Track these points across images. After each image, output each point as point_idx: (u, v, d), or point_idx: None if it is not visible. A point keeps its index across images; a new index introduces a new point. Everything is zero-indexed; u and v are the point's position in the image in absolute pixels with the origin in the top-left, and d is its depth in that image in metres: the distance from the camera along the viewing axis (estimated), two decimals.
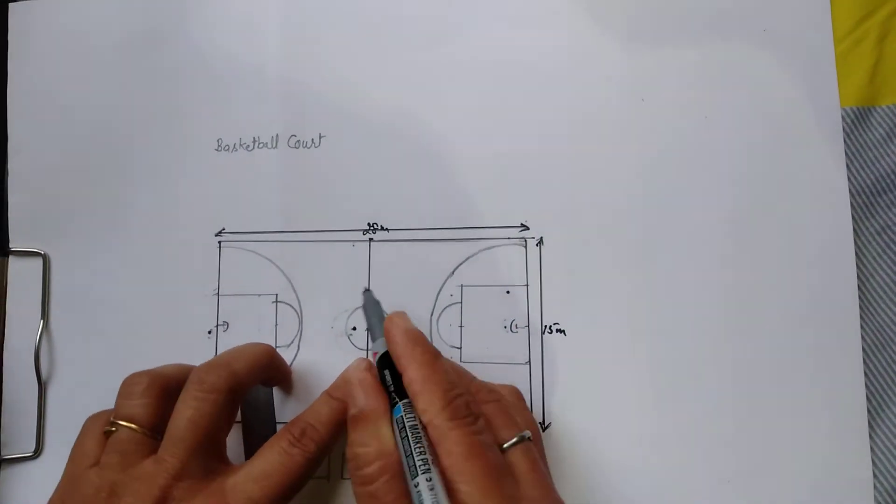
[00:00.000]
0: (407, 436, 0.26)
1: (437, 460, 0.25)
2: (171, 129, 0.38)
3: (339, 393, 0.30)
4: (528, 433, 0.28)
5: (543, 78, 0.35)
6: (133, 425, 0.29)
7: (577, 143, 0.35)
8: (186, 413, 0.28)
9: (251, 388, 0.31)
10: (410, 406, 0.27)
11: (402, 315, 0.30)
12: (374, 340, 0.31)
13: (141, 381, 0.30)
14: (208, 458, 0.28)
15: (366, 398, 0.28)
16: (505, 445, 0.27)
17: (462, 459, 0.25)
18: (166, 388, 0.30)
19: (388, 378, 0.28)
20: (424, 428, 0.26)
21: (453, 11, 0.37)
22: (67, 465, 0.29)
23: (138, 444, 0.28)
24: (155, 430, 0.29)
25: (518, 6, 0.36)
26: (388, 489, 0.25)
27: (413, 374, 0.27)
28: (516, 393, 0.32)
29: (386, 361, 0.29)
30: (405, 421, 0.26)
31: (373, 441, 0.27)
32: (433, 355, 0.28)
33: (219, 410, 0.29)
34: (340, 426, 0.29)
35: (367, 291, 0.35)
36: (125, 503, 0.27)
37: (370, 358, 0.33)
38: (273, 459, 0.28)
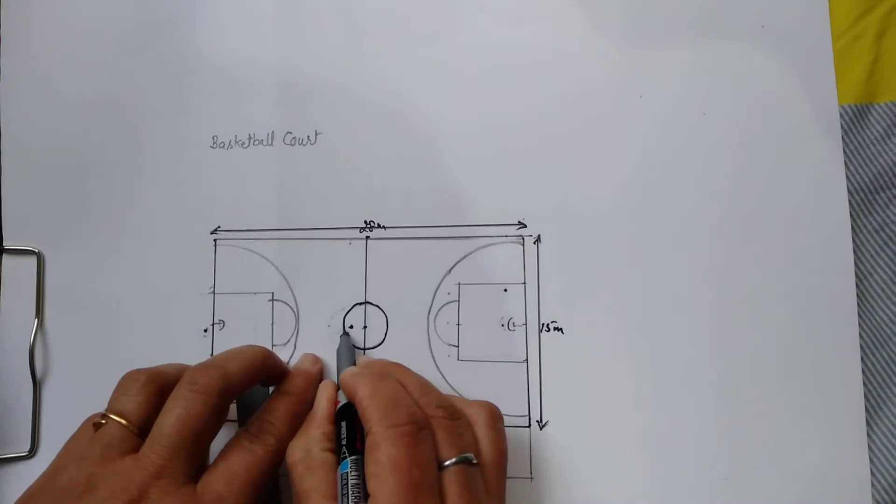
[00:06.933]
0: (348, 493, 0.26)
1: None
2: (166, 126, 0.38)
3: (291, 388, 0.32)
4: (470, 456, 0.27)
5: (541, 75, 0.35)
6: (122, 420, 0.28)
7: (574, 140, 0.35)
8: (175, 411, 0.28)
9: (244, 391, 0.31)
10: (357, 464, 0.27)
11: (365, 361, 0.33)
12: (341, 388, 0.31)
13: (138, 378, 0.30)
14: (190, 460, 0.28)
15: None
16: (445, 464, 0.27)
17: (385, 471, 0.25)
18: (163, 387, 0.30)
19: (343, 430, 0.29)
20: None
21: (449, 8, 0.36)
22: (56, 455, 0.29)
23: (122, 440, 0.28)
24: (144, 428, 0.29)
25: (515, 2, 0.36)
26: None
27: (362, 391, 0.28)
28: (491, 412, 0.29)
29: (344, 413, 0.29)
30: (349, 478, 0.27)
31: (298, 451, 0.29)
32: (382, 374, 0.30)
33: (208, 412, 0.28)
34: (296, 418, 0.31)
35: (343, 335, 0.34)
36: (99, 496, 0.26)
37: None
38: (236, 458, 0.29)
